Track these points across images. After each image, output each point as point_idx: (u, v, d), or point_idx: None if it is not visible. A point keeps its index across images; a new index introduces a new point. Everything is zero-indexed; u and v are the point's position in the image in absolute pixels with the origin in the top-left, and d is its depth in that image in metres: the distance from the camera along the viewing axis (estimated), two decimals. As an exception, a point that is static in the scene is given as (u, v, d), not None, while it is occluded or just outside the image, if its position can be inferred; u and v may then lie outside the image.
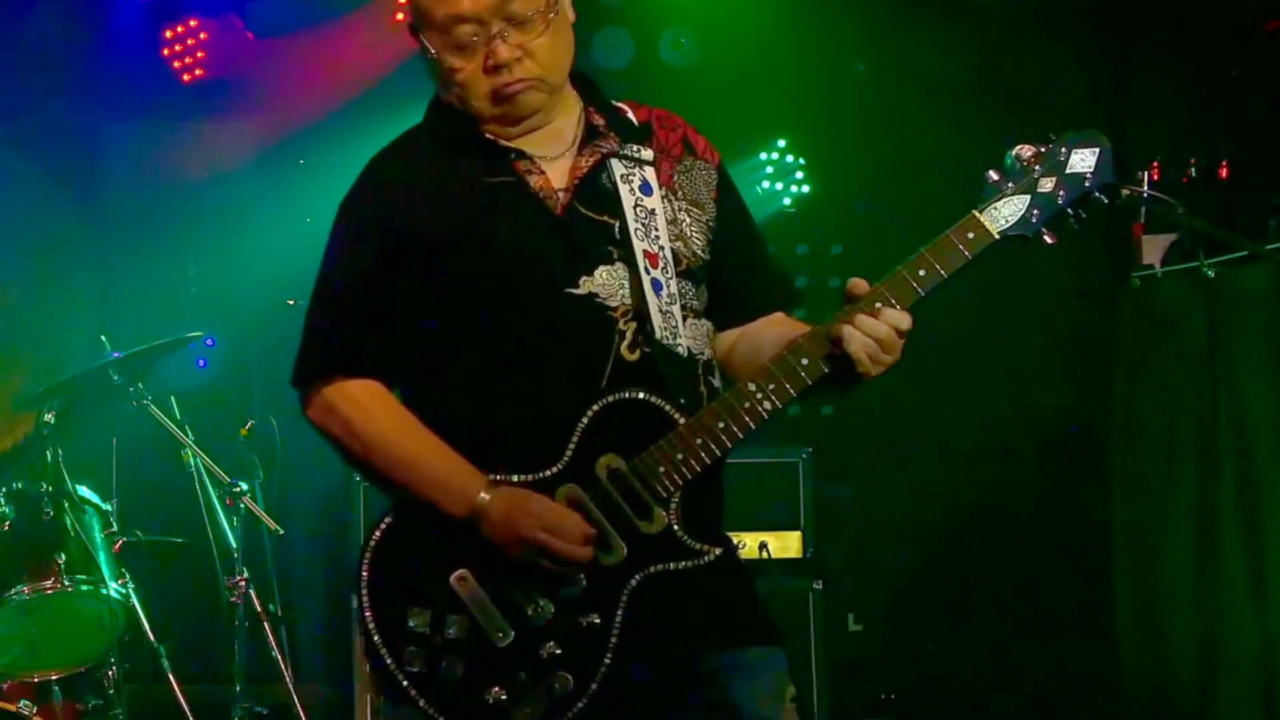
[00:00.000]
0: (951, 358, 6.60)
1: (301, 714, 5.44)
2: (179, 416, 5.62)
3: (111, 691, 5.26)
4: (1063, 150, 2.55)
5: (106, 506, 5.44)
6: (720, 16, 6.94)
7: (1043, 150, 2.56)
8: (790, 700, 2.61)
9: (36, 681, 5.14)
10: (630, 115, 2.74)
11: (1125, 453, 5.79)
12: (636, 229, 2.60)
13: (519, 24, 2.53)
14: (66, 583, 5.08)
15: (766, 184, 7.19)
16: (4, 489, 5.17)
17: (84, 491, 5.37)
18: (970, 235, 2.52)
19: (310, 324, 2.69)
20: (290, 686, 5.49)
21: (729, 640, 2.59)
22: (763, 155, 7.20)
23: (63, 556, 5.11)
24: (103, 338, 5.54)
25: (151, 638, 5.32)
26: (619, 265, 2.58)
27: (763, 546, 5.65)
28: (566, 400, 2.52)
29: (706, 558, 2.51)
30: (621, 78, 6.98)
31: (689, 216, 2.69)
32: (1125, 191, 3.55)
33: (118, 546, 5.37)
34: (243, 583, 5.49)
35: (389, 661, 2.52)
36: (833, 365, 2.50)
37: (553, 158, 2.63)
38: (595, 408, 2.51)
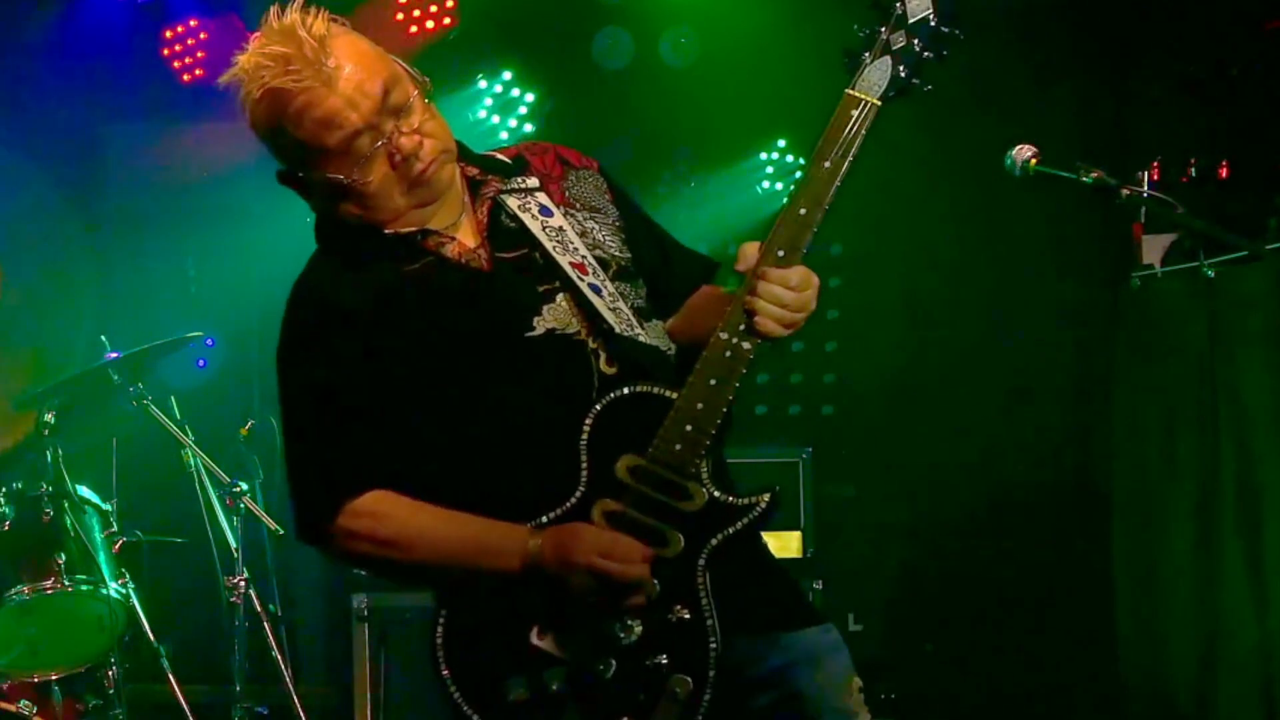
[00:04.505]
0: (952, 357, 6.61)
1: (301, 714, 5.44)
2: (179, 416, 5.62)
3: (111, 691, 5.26)
4: (897, 5, 2.56)
5: (106, 506, 5.44)
6: (720, 16, 6.94)
7: (883, 12, 2.58)
8: (858, 691, 2.64)
9: (36, 681, 5.14)
10: (500, 156, 2.77)
11: (1125, 452, 5.78)
12: (554, 247, 2.63)
13: (404, 113, 2.54)
14: (66, 583, 5.09)
15: (766, 184, 7.20)
16: (4, 489, 5.18)
17: (84, 491, 5.37)
18: (854, 112, 2.53)
19: (294, 473, 2.68)
20: (290, 686, 5.49)
21: (779, 626, 2.62)
22: (763, 155, 7.21)
23: (63, 556, 5.11)
24: (103, 338, 5.54)
25: (151, 638, 5.33)
26: (559, 295, 2.60)
27: (763, 546, 5.65)
28: (565, 431, 2.52)
29: (759, 508, 2.52)
30: (621, 78, 6.98)
31: (595, 222, 2.72)
32: (1125, 191, 3.55)
33: (118, 546, 5.38)
34: (243, 583, 5.48)
35: None
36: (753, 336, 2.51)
37: (454, 222, 2.64)
38: (589, 421, 2.51)
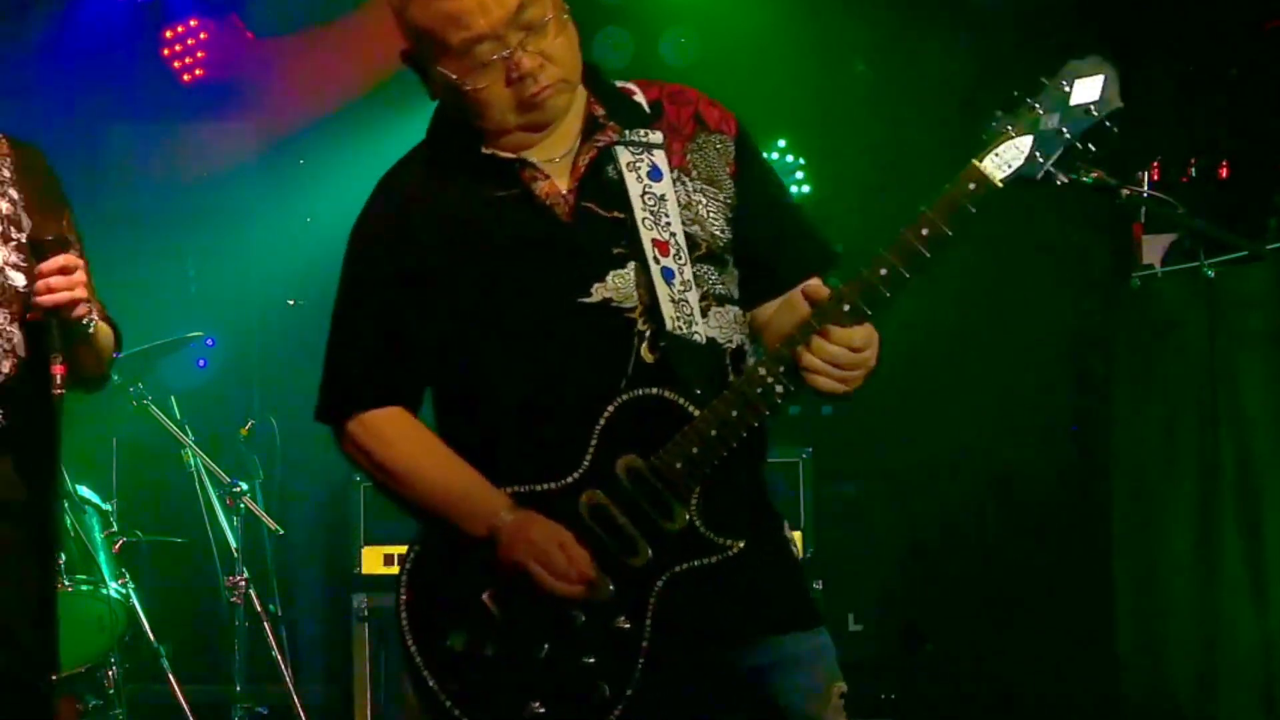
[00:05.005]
0: (952, 358, 6.61)
1: (301, 714, 5.45)
2: (179, 416, 5.63)
3: (111, 691, 5.26)
4: (1064, 83, 2.40)
5: (106, 506, 5.44)
6: (720, 16, 6.94)
7: (1045, 84, 2.41)
8: (839, 698, 2.58)
9: (37, 681, 5.13)
10: (639, 96, 2.68)
11: (1125, 453, 5.78)
12: (644, 218, 2.55)
13: (534, 31, 2.49)
14: (66, 583, 5.08)
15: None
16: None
17: (84, 491, 5.37)
18: (971, 187, 2.39)
19: (328, 359, 2.68)
20: (290, 686, 5.49)
21: (766, 628, 2.56)
22: (762, 155, 7.20)
23: (63, 556, 5.09)
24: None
25: (151, 638, 5.33)
26: (629, 266, 2.54)
27: (763, 546, 5.64)
28: (587, 409, 2.50)
29: (729, 551, 2.48)
30: (621, 78, 6.98)
31: (704, 197, 2.61)
32: (1125, 191, 3.55)
33: (118, 546, 5.38)
34: (243, 583, 5.49)
35: (432, 684, 2.51)
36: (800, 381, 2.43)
37: (557, 159, 2.59)
38: (610, 409, 2.49)
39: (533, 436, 2.54)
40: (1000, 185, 2.39)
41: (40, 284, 2.93)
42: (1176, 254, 5.61)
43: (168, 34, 7.07)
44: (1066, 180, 2.40)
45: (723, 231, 2.62)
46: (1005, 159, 2.39)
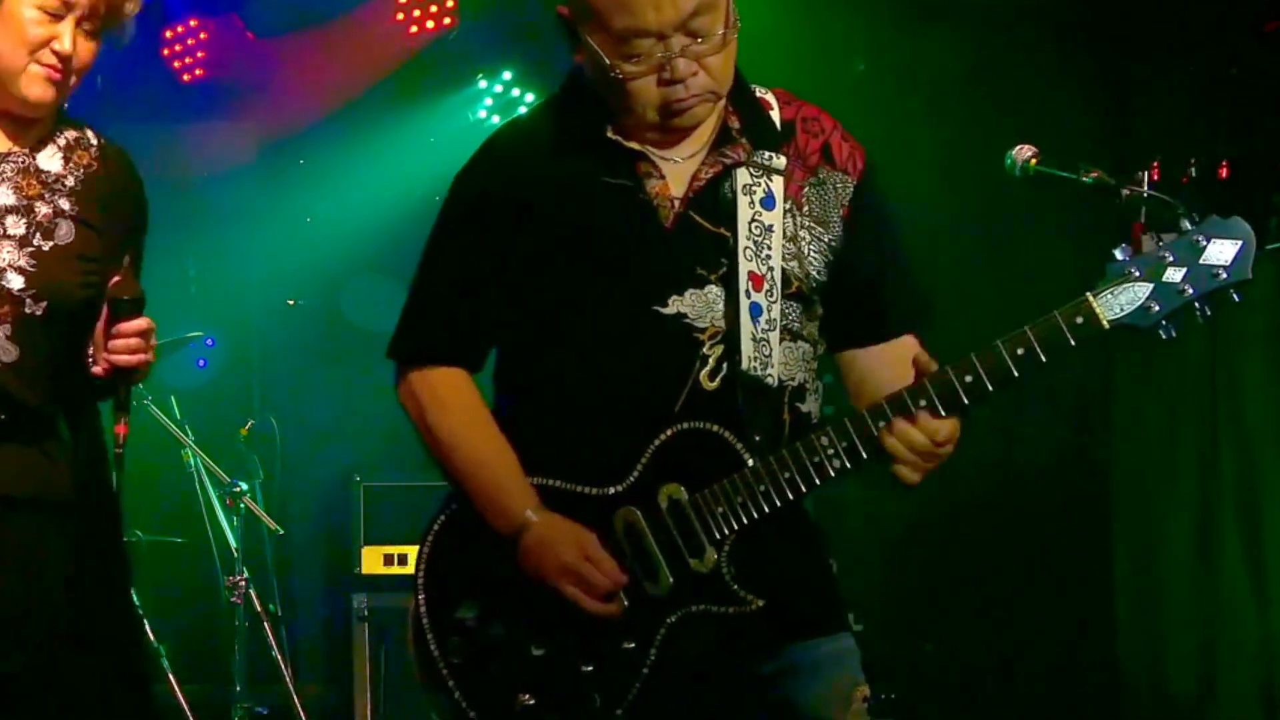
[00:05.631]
0: (951, 358, 6.60)
1: (301, 714, 5.45)
2: (179, 416, 5.63)
3: (112, 691, 5.26)
4: (1200, 238, 2.35)
5: (107, 506, 5.43)
6: (720, 16, 6.93)
7: (1179, 235, 2.36)
8: (861, 701, 2.56)
9: (37, 681, 5.13)
10: (775, 112, 2.65)
11: (1125, 453, 5.79)
12: (746, 247, 2.50)
13: (699, 39, 2.45)
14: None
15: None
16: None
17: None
18: (1079, 320, 2.36)
19: (409, 301, 2.66)
20: (290, 686, 5.49)
21: (786, 637, 2.53)
22: (763, 155, 7.19)
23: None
24: (103, 338, 5.54)
25: (151, 638, 5.33)
26: (712, 288, 2.50)
27: (763, 546, 5.64)
28: (637, 421, 2.48)
29: (749, 608, 2.46)
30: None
31: (810, 235, 2.56)
32: (1125, 191, 3.55)
33: (118, 546, 5.37)
34: (243, 583, 5.49)
35: (434, 648, 2.51)
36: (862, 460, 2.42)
37: (678, 161, 2.56)
38: (668, 433, 2.47)
39: (584, 435, 2.52)
40: (1107, 328, 2.35)
41: (120, 344, 2.92)
42: (1177, 254, 5.60)
43: (168, 34, 7.06)
44: (1172, 337, 2.35)
45: (819, 273, 2.57)
46: (1119, 300, 2.35)
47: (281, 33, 7.06)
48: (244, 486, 5.58)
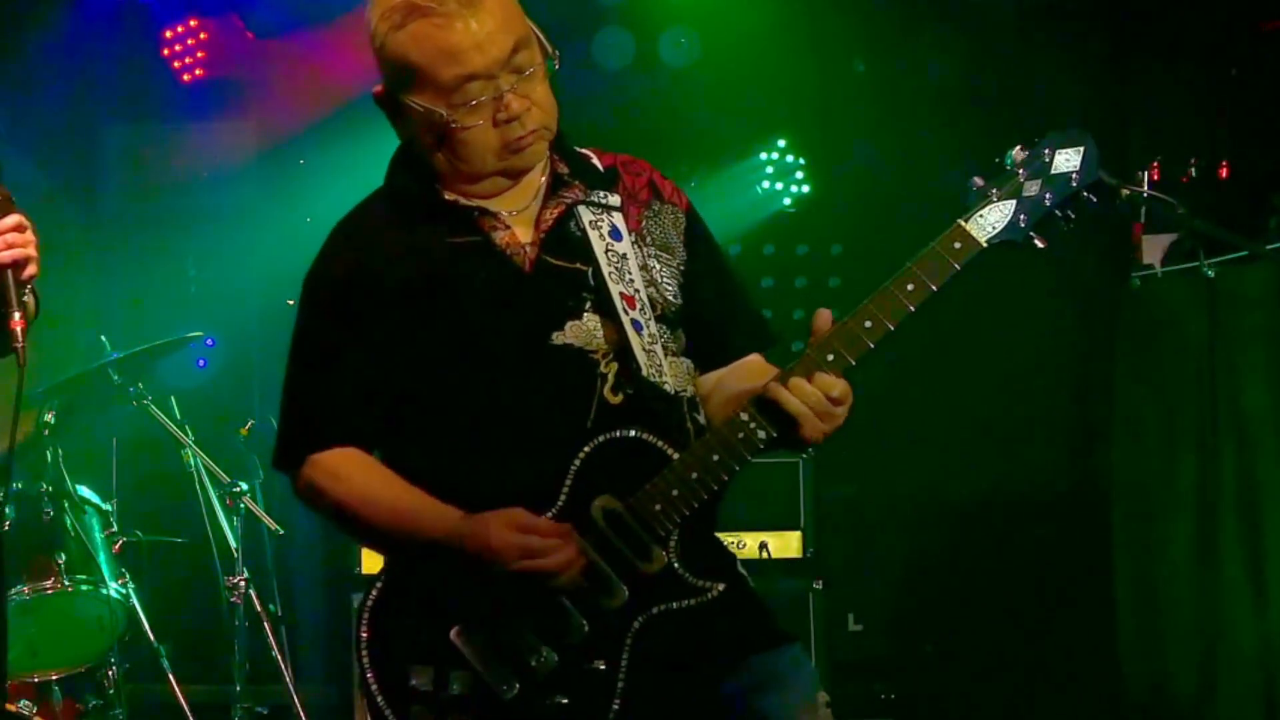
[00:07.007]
0: (952, 358, 6.60)
1: (301, 714, 5.45)
2: (179, 416, 5.62)
3: (112, 691, 5.26)
4: (1046, 151, 2.51)
5: (106, 506, 5.44)
6: (720, 16, 6.94)
7: (1026, 153, 2.52)
8: (825, 706, 2.59)
9: (36, 681, 5.13)
10: (595, 161, 2.71)
11: (1125, 452, 5.78)
12: (610, 273, 2.57)
13: (523, 76, 2.50)
14: (66, 583, 5.08)
15: (766, 184, 7.19)
16: (4, 489, 5.17)
17: (84, 491, 5.37)
18: (957, 245, 2.49)
19: (283, 408, 2.67)
20: (290, 686, 5.49)
21: (746, 649, 2.56)
22: (763, 155, 7.20)
23: (63, 556, 5.11)
24: (103, 338, 5.54)
25: (151, 638, 5.33)
26: (589, 317, 2.55)
27: (763, 546, 5.64)
28: (553, 445, 2.49)
29: (710, 594, 2.49)
30: (621, 78, 6.98)
31: (659, 262, 2.65)
32: (1125, 191, 3.55)
33: (118, 546, 5.38)
34: (243, 583, 5.49)
35: None
36: (780, 425, 2.47)
37: (518, 211, 2.61)
38: (586, 449, 2.49)
39: (504, 470, 2.52)
40: (985, 246, 2.50)
41: None
42: (1176, 254, 5.61)
43: (168, 34, 7.07)
44: (1045, 244, 2.52)
45: (675, 296, 2.66)
46: (989, 221, 2.50)
47: (281, 33, 7.07)
48: (244, 486, 5.57)
